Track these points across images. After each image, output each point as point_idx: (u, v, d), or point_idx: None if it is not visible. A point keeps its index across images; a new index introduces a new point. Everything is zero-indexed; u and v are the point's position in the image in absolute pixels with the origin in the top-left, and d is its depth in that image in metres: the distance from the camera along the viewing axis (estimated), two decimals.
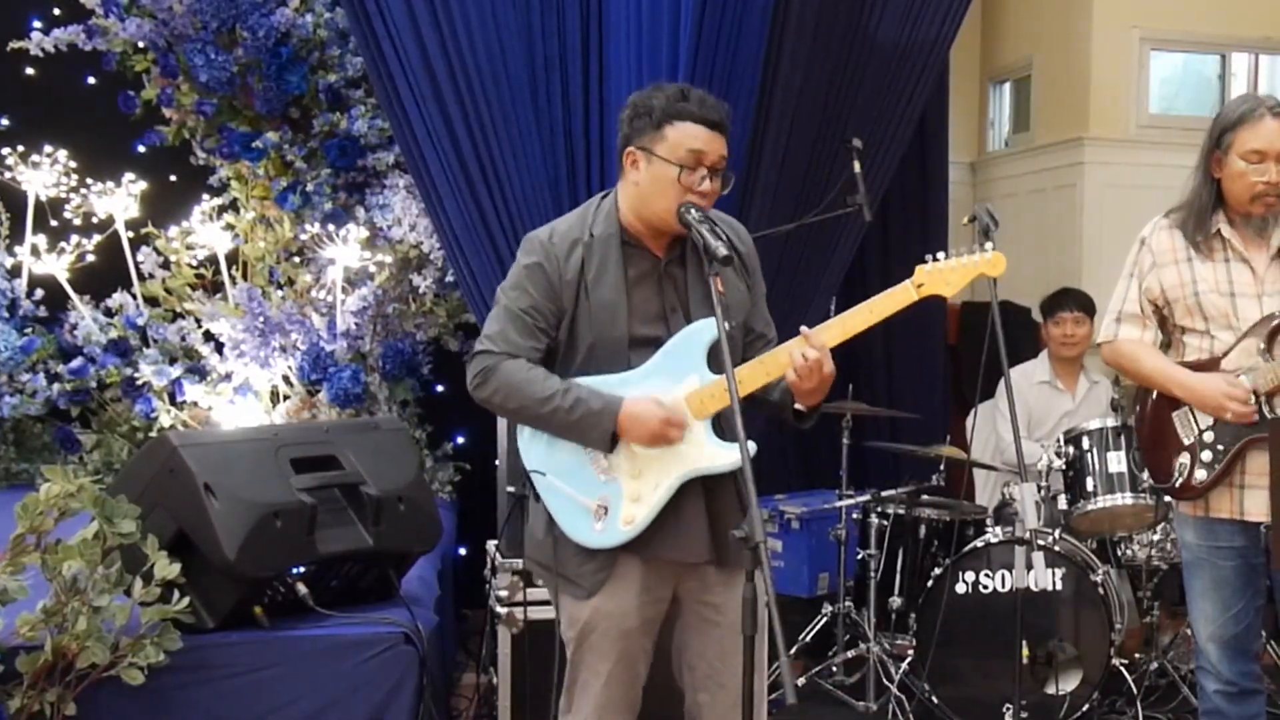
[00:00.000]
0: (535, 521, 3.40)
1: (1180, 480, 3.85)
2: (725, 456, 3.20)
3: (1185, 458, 3.84)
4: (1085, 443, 5.21)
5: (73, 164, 6.03)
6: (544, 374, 3.25)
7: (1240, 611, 3.86)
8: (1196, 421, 3.83)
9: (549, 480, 3.32)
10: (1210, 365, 3.79)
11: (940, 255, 3.23)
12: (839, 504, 5.64)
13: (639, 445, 3.21)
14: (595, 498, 3.26)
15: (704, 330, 3.21)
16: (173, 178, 6.27)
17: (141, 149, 6.19)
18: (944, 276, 3.21)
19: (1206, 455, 3.79)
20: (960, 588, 5.01)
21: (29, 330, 6.02)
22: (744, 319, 3.37)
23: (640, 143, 3.22)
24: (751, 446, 2.99)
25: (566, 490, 3.29)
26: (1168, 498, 4.10)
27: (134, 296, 6.04)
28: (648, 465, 3.22)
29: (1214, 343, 3.81)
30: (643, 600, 3.30)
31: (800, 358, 3.12)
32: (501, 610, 4.46)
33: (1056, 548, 5.05)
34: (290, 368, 5.77)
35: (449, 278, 5.79)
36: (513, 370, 3.24)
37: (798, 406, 3.29)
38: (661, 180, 3.19)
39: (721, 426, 3.24)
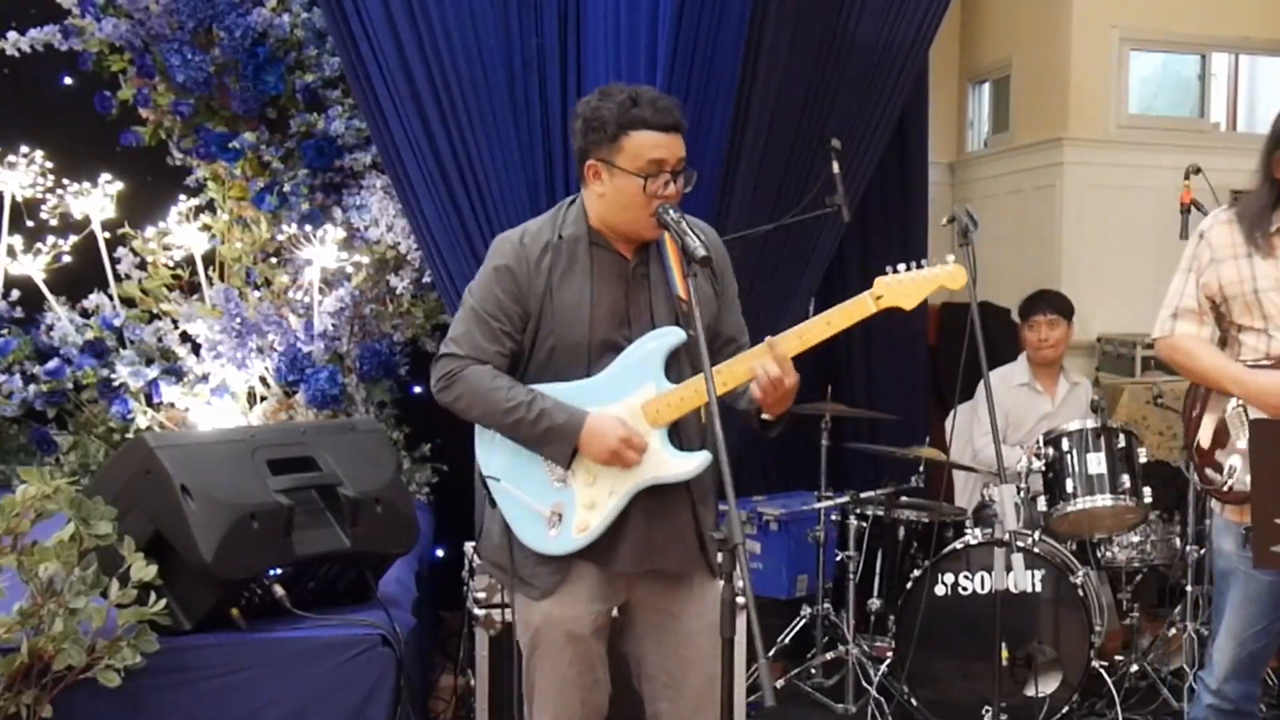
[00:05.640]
0: (491, 525, 3.39)
1: (1228, 484, 3.73)
2: (680, 466, 3.19)
3: (1236, 460, 3.71)
4: (1065, 444, 5.19)
5: (49, 164, 5.97)
6: (509, 383, 3.22)
7: (1263, 630, 3.77)
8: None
9: (503, 486, 3.31)
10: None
11: (901, 266, 3.18)
12: (818, 505, 5.63)
13: (595, 462, 3.20)
14: (549, 504, 3.25)
15: (663, 338, 3.20)
16: (149, 178, 6.22)
17: (118, 149, 6.15)
18: (903, 289, 3.17)
19: None
20: (939, 589, 5.01)
21: (5, 331, 5.97)
22: (709, 323, 3.30)
23: (599, 155, 3.17)
24: (705, 456, 3.05)
25: (521, 496, 3.28)
26: (1214, 502, 3.92)
27: (111, 297, 6.00)
28: (603, 472, 3.21)
29: (1271, 341, 3.68)
30: (595, 608, 3.29)
31: (762, 373, 3.10)
32: (479, 612, 4.45)
33: (1036, 549, 5.04)
34: (267, 369, 5.75)
35: (426, 278, 5.77)
36: (478, 377, 3.23)
37: (764, 416, 3.25)
38: (626, 192, 3.15)
39: (678, 435, 3.23)
